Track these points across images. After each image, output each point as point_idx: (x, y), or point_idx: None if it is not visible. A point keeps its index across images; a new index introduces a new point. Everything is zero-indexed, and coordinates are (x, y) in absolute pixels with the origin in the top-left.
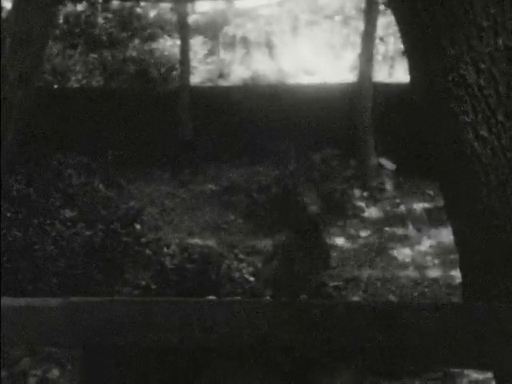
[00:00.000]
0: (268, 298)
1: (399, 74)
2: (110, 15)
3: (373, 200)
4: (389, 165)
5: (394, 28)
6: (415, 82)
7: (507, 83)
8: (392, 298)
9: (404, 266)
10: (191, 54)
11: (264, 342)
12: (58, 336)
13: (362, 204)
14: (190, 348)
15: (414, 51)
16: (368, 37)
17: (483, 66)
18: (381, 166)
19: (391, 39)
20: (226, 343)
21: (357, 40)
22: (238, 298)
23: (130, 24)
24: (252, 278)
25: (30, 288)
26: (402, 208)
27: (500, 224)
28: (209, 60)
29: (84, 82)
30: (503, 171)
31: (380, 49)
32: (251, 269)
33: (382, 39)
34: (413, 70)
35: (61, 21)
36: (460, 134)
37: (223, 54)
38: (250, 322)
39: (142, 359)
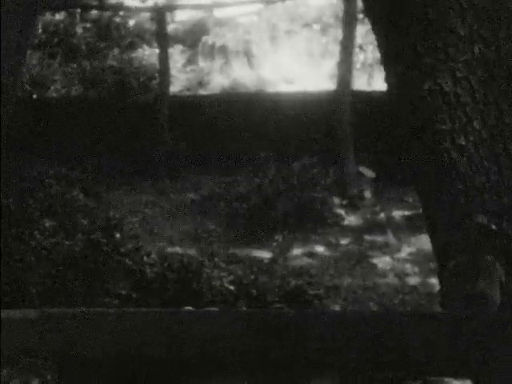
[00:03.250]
0: (245, 307)
1: (378, 82)
2: (88, 25)
3: (353, 208)
4: (368, 173)
5: (373, 36)
6: (392, 90)
7: (484, 91)
8: (372, 305)
9: (384, 273)
10: (170, 63)
11: (242, 353)
12: (35, 347)
13: (341, 212)
14: (169, 360)
15: (390, 60)
16: (346, 45)
17: (460, 74)
18: (360, 174)
19: (370, 47)
20: (205, 354)
21: (335, 48)
22: (216, 309)
23: (108, 33)
24: (232, 287)
25: (8, 299)
26: (382, 216)
27: (478, 232)
28: (188, 69)
29: (63, 91)
30: (480, 179)
31: (359, 57)
32: (232, 277)
33: (360, 47)
34: (390, 78)
35: (39, 30)
36: (437, 143)
37: (202, 63)
38: (229, 333)
39: (120, 371)
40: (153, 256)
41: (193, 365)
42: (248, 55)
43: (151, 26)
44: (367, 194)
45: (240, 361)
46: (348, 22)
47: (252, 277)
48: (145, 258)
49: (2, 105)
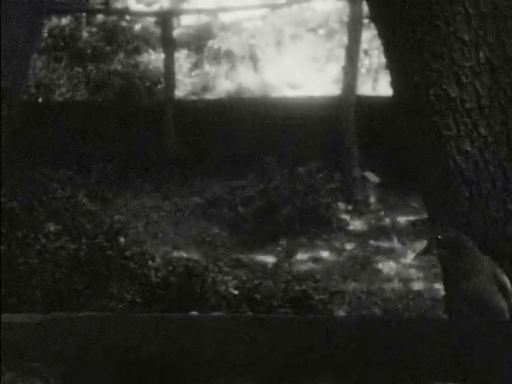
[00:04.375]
0: (250, 313)
1: (383, 87)
2: (94, 29)
3: (357, 213)
4: (373, 178)
5: (378, 41)
6: (397, 95)
7: (489, 97)
8: (377, 311)
9: (389, 278)
10: (176, 68)
11: (247, 357)
12: (39, 351)
13: (346, 217)
14: (172, 363)
15: (396, 65)
16: (352, 50)
17: (465, 79)
18: (365, 179)
19: (375, 52)
20: (208, 358)
21: (341, 53)
22: (220, 313)
23: (114, 37)
24: (236, 292)
25: (12, 302)
26: (387, 221)
27: (482, 238)
28: (193, 73)
29: (68, 95)
30: (485, 185)
31: (364, 62)
32: (236, 282)
33: (365, 52)
34: (395, 83)
35: (45, 34)
36: (442, 148)
37: (208, 68)
38: (234, 337)
39: (124, 374)
40: (157, 260)
41: (199, 368)
42: (253, 60)
43: (157, 31)
44: (372, 199)
45: (246, 364)
46: (353, 27)
47: (256, 281)
48: (149, 263)
49: (2, 109)
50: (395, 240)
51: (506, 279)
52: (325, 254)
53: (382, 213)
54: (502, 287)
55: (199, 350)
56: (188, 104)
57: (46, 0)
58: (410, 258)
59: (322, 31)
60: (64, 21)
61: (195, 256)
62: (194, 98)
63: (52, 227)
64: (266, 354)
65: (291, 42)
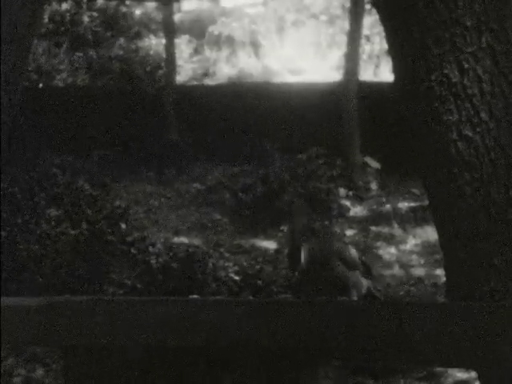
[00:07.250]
0: (251, 297)
1: (384, 73)
2: (95, 14)
3: (358, 199)
4: (374, 164)
5: (380, 27)
6: (399, 81)
7: (491, 82)
8: (378, 296)
9: (390, 264)
10: (177, 53)
11: (249, 343)
12: (39, 336)
13: (347, 203)
14: (173, 348)
15: (398, 50)
16: (353, 36)
17: (467, 65)
18: (366, 164)
19: (377, 38)
20: (209, 343)
21: (342, 39)
22: (222, 297)
23: (115, 23)
24: (237, 277)
25: (14, 287)
26: (388, 207)
27: (483, 224)
28: (194, 59)
29: (69, 80)
30: (487, 171)
31: (365, 48)
32: (237, 268)
33: (367, 38)
34: (397, 69)
35: (46, 19)
36: (444, 134)
37: (209, 53)
38: (235, 321)
39: (124, 359)
40: (158, 246)
41: (198, 352)
42: (254, 46)
43: (157, 16)
44: (373, 185)
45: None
46: (355, 13)
47: (257, 267)
48: (150, 248)
49: (2, 95)
50: (396, 226)
51: (350, 254)
52: None
53: (383, 199)
54: (347, 262)
55: (198, 333)
56: (189, 89)
57: None
58: (410, 243)
59: (323, 17)
60: (64, 5)
61: (196, 242)
62: (194, 83)
63: (53, 213)
64: (268, 339)
65: (293, 27)
